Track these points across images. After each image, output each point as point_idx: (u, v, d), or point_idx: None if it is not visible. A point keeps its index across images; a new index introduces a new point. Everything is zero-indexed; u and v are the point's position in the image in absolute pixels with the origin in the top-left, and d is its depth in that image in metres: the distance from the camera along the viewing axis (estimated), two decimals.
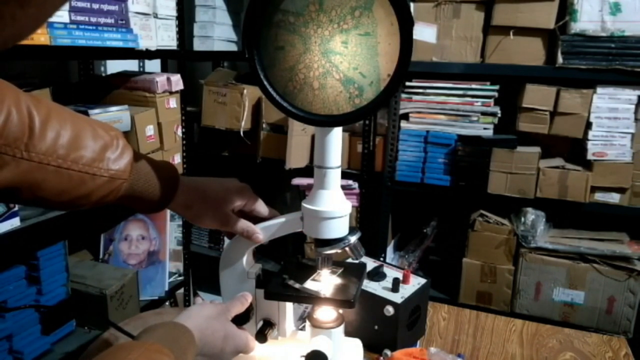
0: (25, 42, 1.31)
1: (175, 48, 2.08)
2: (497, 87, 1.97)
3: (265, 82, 0.68)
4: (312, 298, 0.78)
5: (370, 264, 1.08)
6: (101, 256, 2.10)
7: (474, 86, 1.98)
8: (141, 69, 2.44)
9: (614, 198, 1.88)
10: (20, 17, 0.29)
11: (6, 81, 0.58)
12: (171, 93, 2.03)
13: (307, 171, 2.20)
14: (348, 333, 0.88)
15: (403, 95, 2.05)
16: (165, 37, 2.01)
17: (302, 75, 0.67)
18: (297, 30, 0.65)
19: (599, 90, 1.82)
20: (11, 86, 0.59)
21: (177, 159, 2.11)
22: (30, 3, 0.29)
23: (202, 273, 2.60)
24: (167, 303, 2.20)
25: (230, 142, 2.45)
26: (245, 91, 2.24)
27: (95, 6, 1.57)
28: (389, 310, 0.96)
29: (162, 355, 0.58)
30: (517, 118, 1.95)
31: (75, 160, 0.61)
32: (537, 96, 1.89)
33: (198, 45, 2.34)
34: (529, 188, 1.92)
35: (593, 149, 1.85)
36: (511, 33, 1.89)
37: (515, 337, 1.11)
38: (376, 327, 0.99)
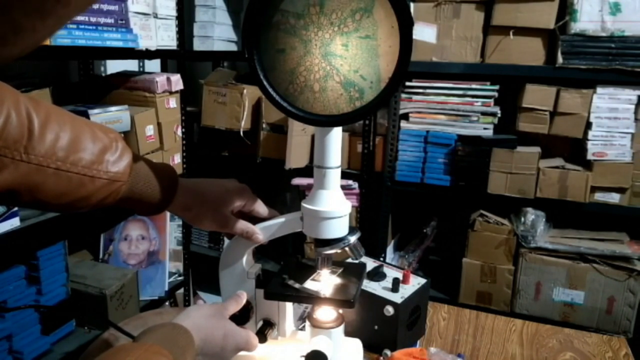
0: None
1: (175, 48, 2.08)
2: (497, 87, 1.97)
3: (265, 83, 0.68)
4: (312, 298, 0.78)
5: (370, 264, 1.08)
6: (101, 256, 2.10)
7: (474, 86, 1.98)
8: (141, 69, 2.44)
9: (614, 198, 1.88)
10: (40, 29, 0.30)
11: (5, 83, 0.58)
12: (171, 93, 2.02)
13: (307, 171, 2.20)
14: (348, 333, 0.89)
15: (403, 95, 2.05)
16: (165, 37, 2.01)
17: (303, 78, 0.67)
18: (297, 32, 0.65)
19: (599, 90, 1.82)
20: (10, 88, 0.59)
21: (177, 159, 2.11)
22: (51, 15, 0.30)
23: (202, 273, 2.60)
24: (167, 303, 2.20)
25: (230, 142, 2.44)
26: (245, 91, 2.24)
27: (95, 6, 1.57)
28: (389, 310, 0.96)
29: (161, 356, 0.58)
30: (517, 118, 1.95)
31: (75, 163, 0.61)
32: (537, 96, 1.89)
33: (198, 45, 2.34)
34: (529, 188, 1.92)
35: (593, 149, 1.85)
36: (511, 33, 1.88)
37: (515, 337, 1.11)
38: (376, 327, 0.99)
